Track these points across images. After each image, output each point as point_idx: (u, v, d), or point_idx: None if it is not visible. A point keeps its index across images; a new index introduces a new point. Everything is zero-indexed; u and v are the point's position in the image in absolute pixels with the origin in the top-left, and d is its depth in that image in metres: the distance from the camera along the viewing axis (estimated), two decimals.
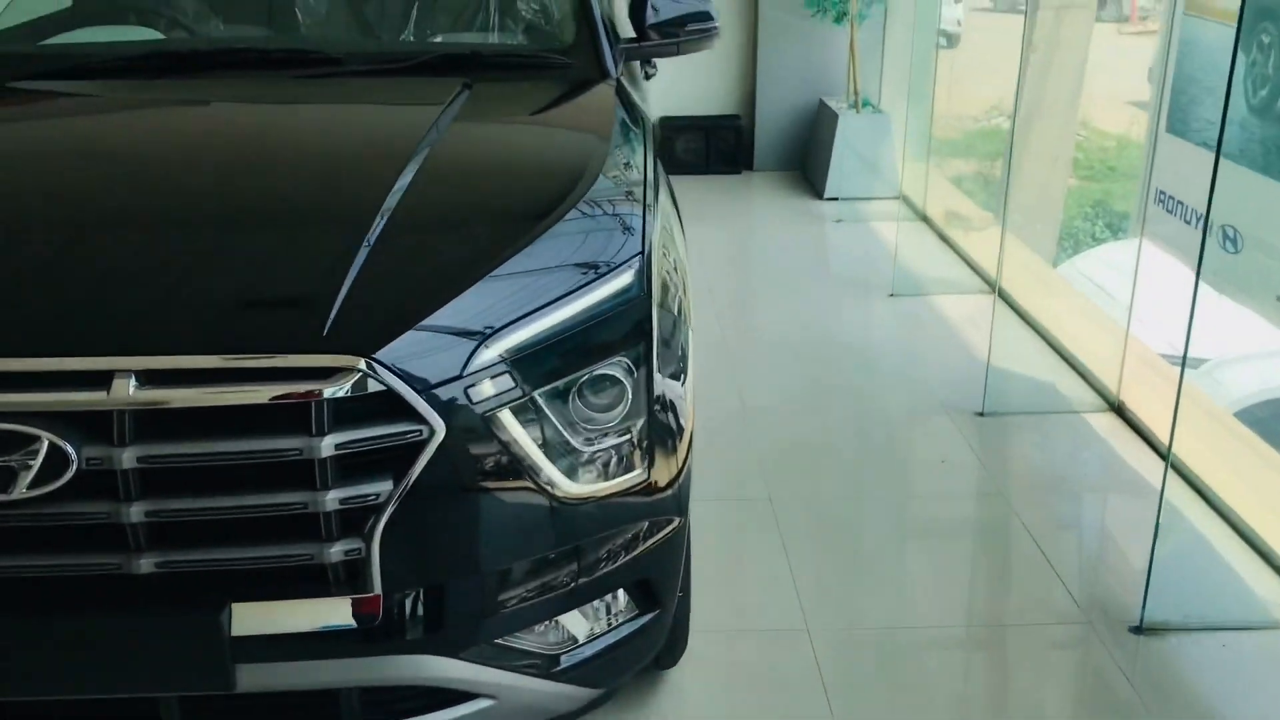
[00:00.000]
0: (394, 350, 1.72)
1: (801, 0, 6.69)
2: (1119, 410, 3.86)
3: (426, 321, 1.77)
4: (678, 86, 7.16)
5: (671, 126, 7.18)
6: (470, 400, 1.76)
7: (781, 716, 2.45)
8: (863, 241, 5.90)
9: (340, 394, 1.67)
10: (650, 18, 2.95)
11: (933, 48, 6.23)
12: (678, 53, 3.05)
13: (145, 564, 1.69)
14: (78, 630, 1.71)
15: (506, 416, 1.79)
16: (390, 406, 1.71)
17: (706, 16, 3.03)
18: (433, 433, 1.72)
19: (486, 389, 1.77)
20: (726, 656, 2.64)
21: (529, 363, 1.82)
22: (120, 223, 2.02)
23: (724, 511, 3.26)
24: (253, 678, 1.75)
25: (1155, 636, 2.69)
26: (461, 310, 1.81)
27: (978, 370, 4.03)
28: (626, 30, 3.03)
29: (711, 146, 7.23)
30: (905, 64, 6.83)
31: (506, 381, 1.79)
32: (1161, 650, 2.65)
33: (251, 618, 1.74)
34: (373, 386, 1.69)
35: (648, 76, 3.67)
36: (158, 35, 3.05)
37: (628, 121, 2.52)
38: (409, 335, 1.74)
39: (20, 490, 1.63)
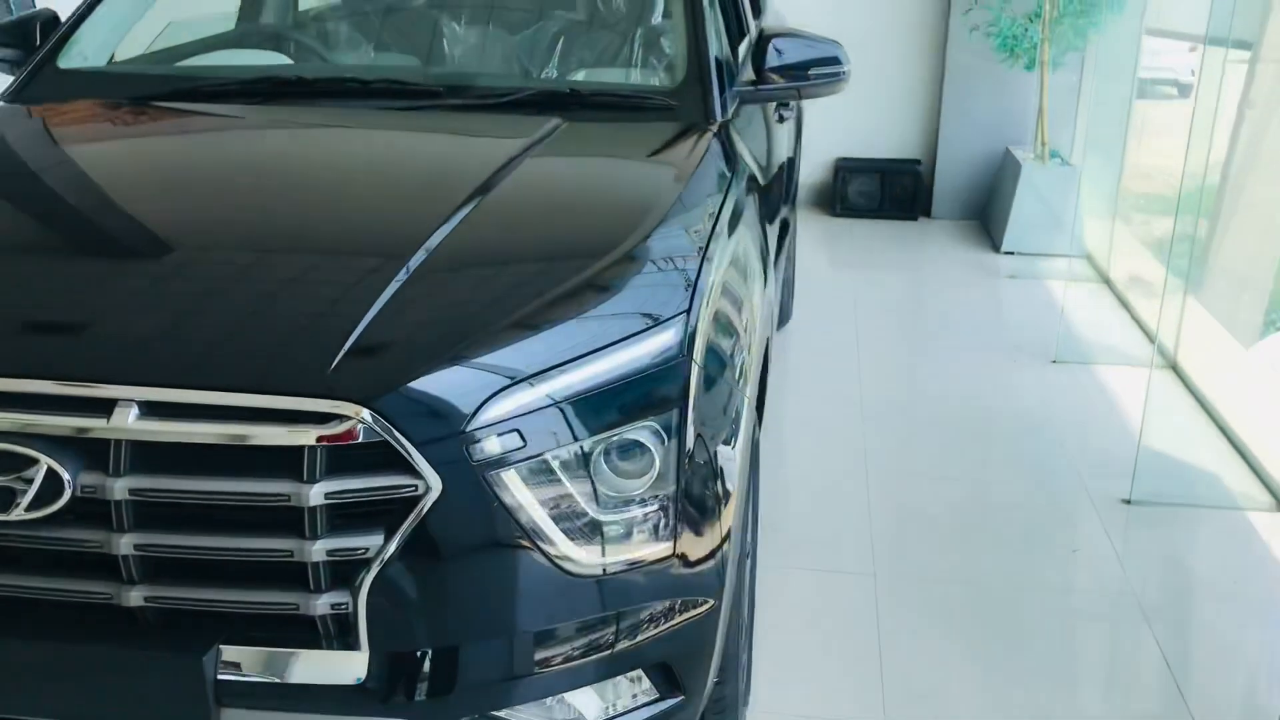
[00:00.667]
0: (396, 399, 1.64)
1: (992, 44, 6.37)
2: None
3: (436, 370, 1.68)
4: (855, 127, 6.95)
5: (846, 168, 6.96)
6: (472, 458, 1.66)
7: None
8: (1034, 300, 5.55)
9: (334, 441, 1.60)
10: (772, 60, 2.82)
11: (1129, 98, 5.82)
12: (799, 98, 2.92)
13: (135, 596, 1.66)
14: (65, 656, 1.69)
15: (511, 477, 1.69)
16: (386, 458, 1.63)
17: (835, 61, 2.87)
18: (428, 489, 1.63)
19: (492, 447, 1.67)
20: None
21: (540, 422, 1.71)
22: (154, 247, 2.03)
23: (818, 584, 3.06)
24: None
25: None
26: (477, 360, 1.72)
27: (1135, 452, 3.69)
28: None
29: (887, 191, 6.97)
30: (1100, 115, 6.44)
31: (515, 440, 1.69)
32: None
33: (239, 662, 1.69)
34: (369, 436, 1.62)
35: (781, 119, 3.52)
36: (285, 60, 3.11)
37: (714, 168, 2.39)
38: (415, 384, 1.66)
39: (18, 512, 1.63)
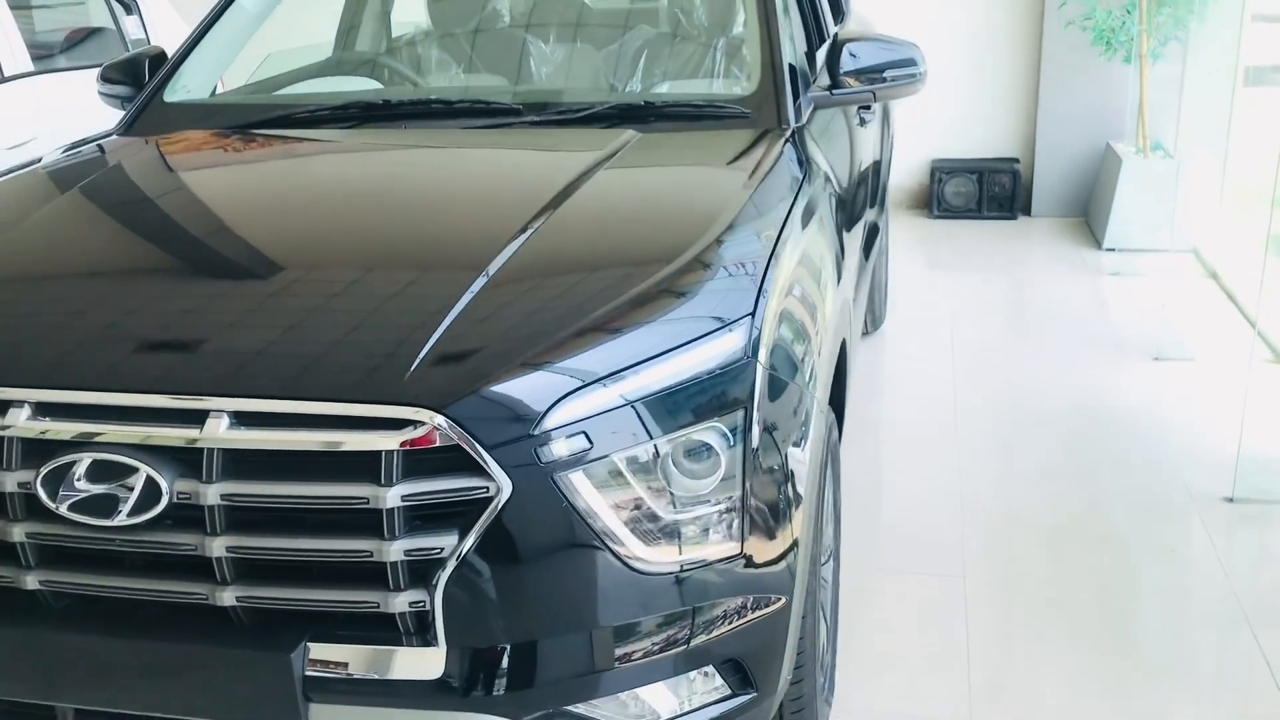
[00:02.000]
0: (468, 404, 1.71)
1: (1089, 38, 6.25)
2: None
3: (506, 376, 1.75)
4: (950, 127, 6.89)
5: (942, 169, 6.89)
6: (540, 460, 1.72)
7: None
8: (1137, 297, 5.42)
9: (411, 446, 1.68)
10: (847, 64, 2.83)
11: (1233, 88, 5.66)
12: (874, 100, 2.93)
13: (228, 596, 1.76)
14: (162, 654, 1.79)
15: (579, 479, 1.74)
16: (459, 461, 1.70)
17: (911, 63, 2.88)
18: (499, 490, 1.70)
19: (560, 449, 1.73)
20: None
21: (607, 425, 1.76)
22: (245, 268, 2.14)
23: (907, 586, 3.05)
24: (321, 718, 1.79)
25: None
26: (545, 365, 1.78)
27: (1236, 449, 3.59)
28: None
29: (985, 190, 6.88)
30: (1204, 105, 6.26)
31: (582, 442, 1.74)
32: None
33: (325, 659, 1.77)
34: (443, 440, 1.69)
35: (862, 122, 3.53)
36: (377, 85, 3.24)
37: (786, 173, 2.42)
38: (486, 389, 1.73)
39: (120, 517, 1.74)
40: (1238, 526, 3.32)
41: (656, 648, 1.83)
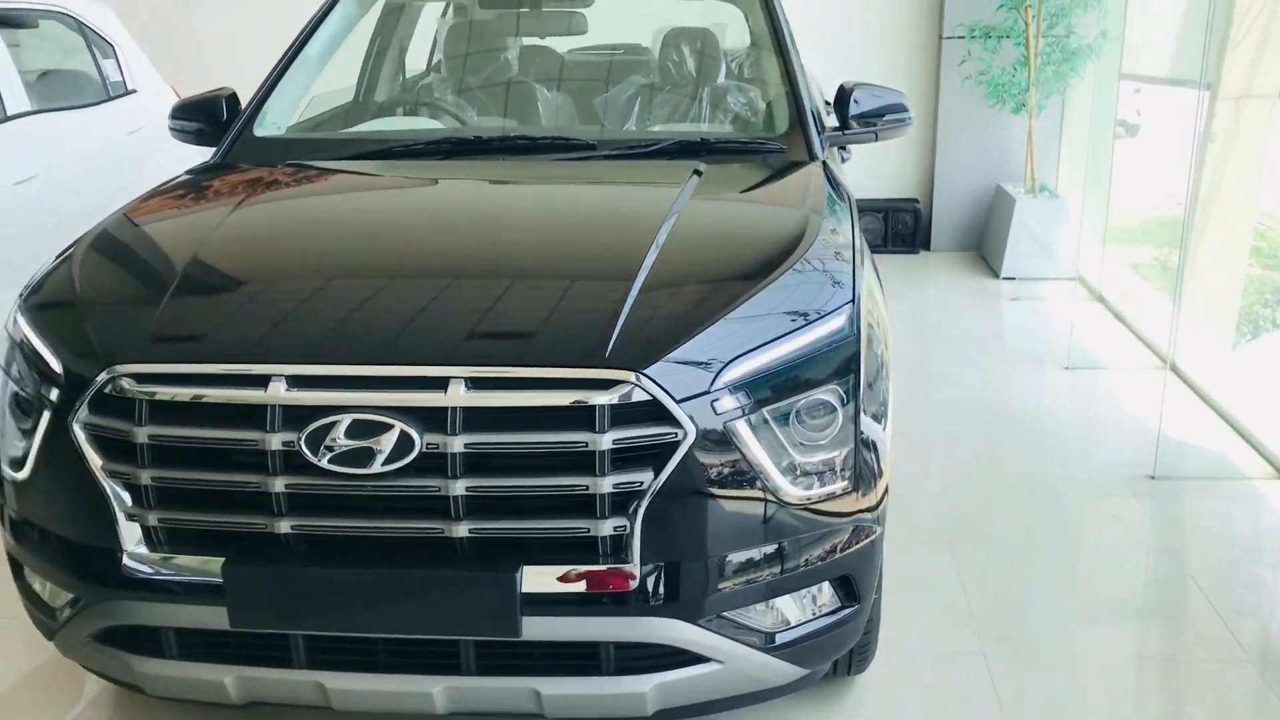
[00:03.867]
0: (658, 369, 2.17)
1: (982, 92, 7.04)
2: None
3: (682, 348, 2.22)
4: (858, 171, 7.58)
5: None
6: (715, 412, 2.19)
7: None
8: (1038, 319, 6.16)
9: (618, 400, 2.13)
10: (853, 109, 3.41)
11: (1110, 136, 6.49)
12: (875, 139, 3.49)
13: (461, 530, 2.17)
14: (400, 580, 2.18)
15: (742, 426, 2.22)
16: (653, 413, 2.16)
17: (902, 109, 3.47)
18: (685, 435, 2.16)
19: (727, 403, 2.21)
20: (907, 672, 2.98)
21: (760, 385, 2.25)
22: (451, 269, 2.58)
23: (902, 546, 3.59)
24: (533, 629, 2.20)
25: None
26: (708, 341, 2.25)
27: (1152, 439, 4.26)
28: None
29: (889, 227, 7.60)
30: (1082, 152, 7.10)
31: (743, 398, 2.22)
32: None
33: (537, 579, 2.19)
34: (640, 396, 2.15)
35: (843, 160, 4.11)
36: (436, 124, 3.67)
37: (834, 196, 2.96)
38: (669, 358, 2.20)
39: (376, 466, 2.14)
40: (1163, 496, 3.97)
41: (791, 565, 2.31)
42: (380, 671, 2.29)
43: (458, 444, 2.13)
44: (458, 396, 2.14)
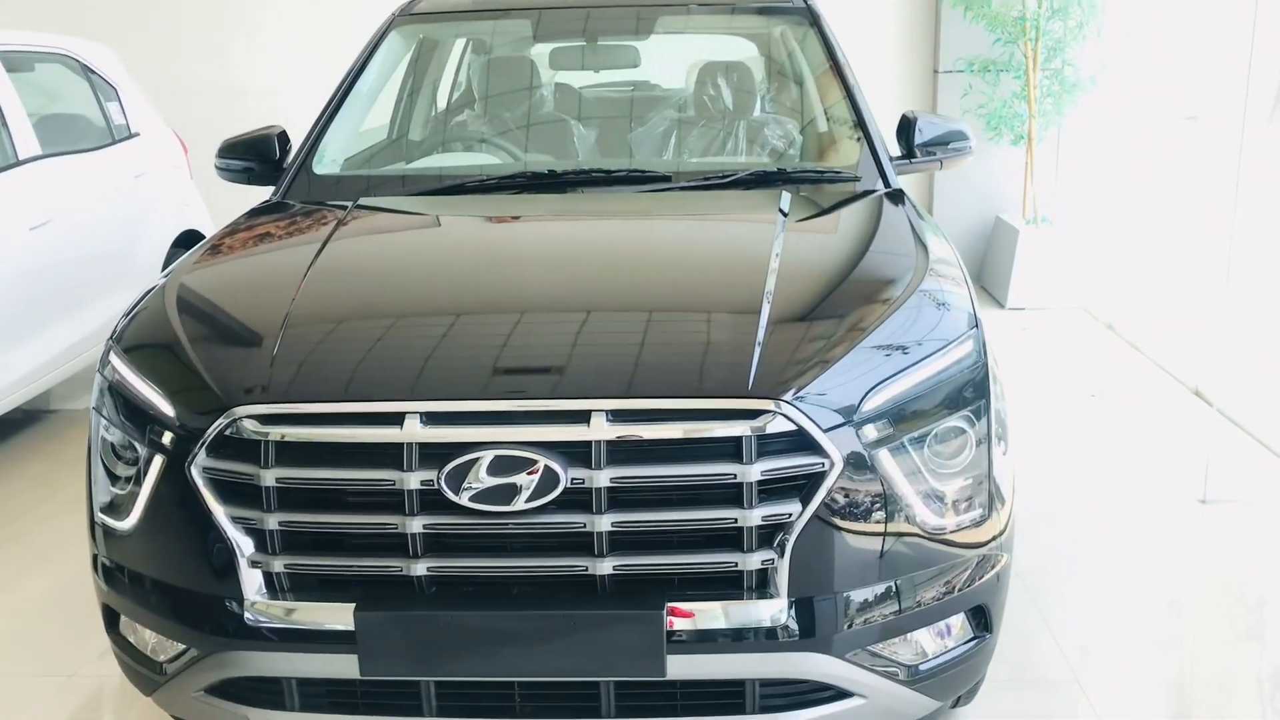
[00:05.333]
0: (804, 398, 2.13)
1: (978, 125, 7.11)
2: None
3: (822, 377, 2.18)
4: None
5: None
6: (859, 440, 2.15)
7: None
8: (1053, 348, 6.20)
9: (766, 431, 2.08)
10: (918, 138, 3.41)
11: (1115, 170, 6.58)
12: (940, 167, 3.50)
13: (605, 567, 2.10)
14: (550, 622, 2.11)
15: (884, 455, 2.18)
16: (799, 443, 2.11)
17: (963, 136, 3.48)
18: (832, 465, 2.12)
19: (870, 432, 2.17)
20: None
21: (898, 413, 2.21)
22: (572, 303, 2.52)
23: None
24: (679, 667, 2.13)
25: None
26: (846, 370, 2.22)
27: (1193, 462, 4.27)
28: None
29: None
30: (1080, 182, 7.20)
31: (884, 426, 2.19)
32: None
33: (681, 616, 2.12)
34: (786, 426, 2.10)
35: None
36: (492, 159, 3.62)
37: (926, 222, 2.95)
38: (810, 388, 2.16)
39: (519, 503, 2.07)
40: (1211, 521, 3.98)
41: (932, 596, 2.27)
42: (516, 718, 2.21)
43: (603, 478, 2.07)
44: (602, 429, 2.08)
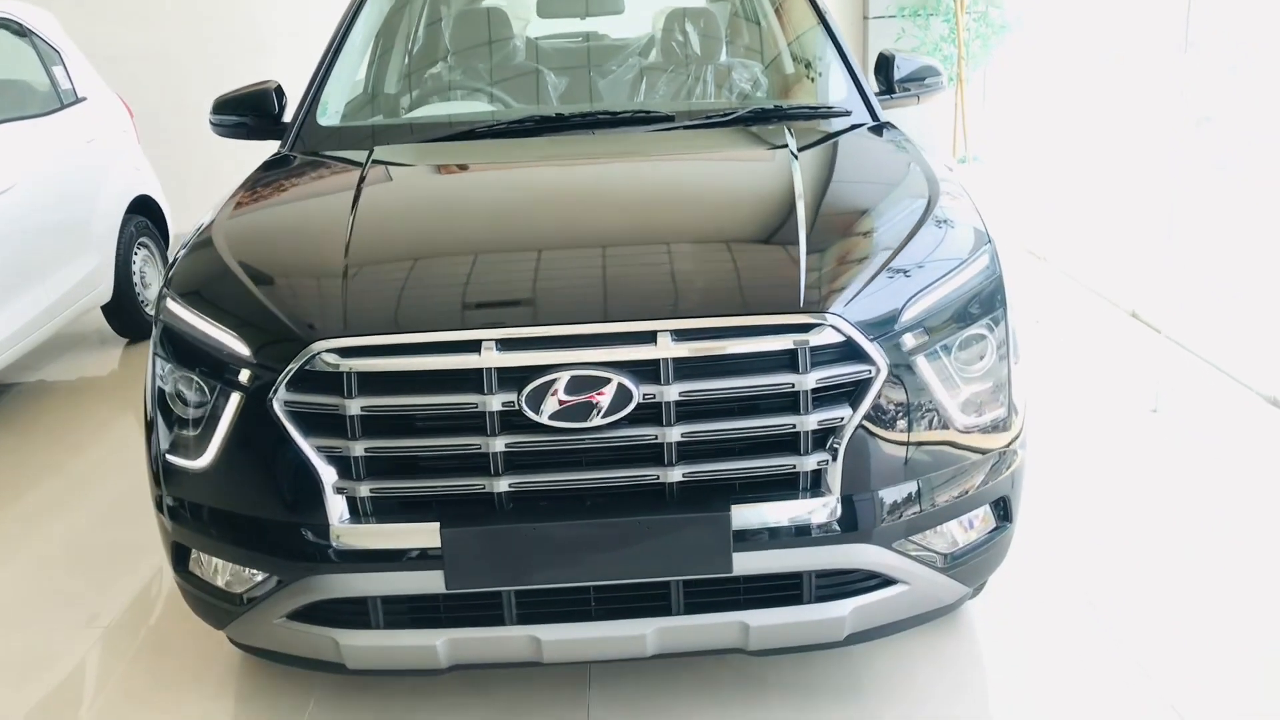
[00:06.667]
0: (848, 312, 2.31)
1: None
2: None
3: (863, 292, 2.37)
4: None
5: None
6: (900, 349, 2.35)
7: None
8: None
9: (818, 343, 2.26)
10: (896, 74, 3.61)
11: (1038, 105, 6.88)
12: (918, 101, 3.70)
13: (675, 475, 2.27)
14: (624, 529, 2.26)
15: (922, 361, 2.38)
16: (848, 353, 2.30)
17: (936, 71, 3.69)
18: (878, 371, 2.30)
19: (909, 341, 2.36)
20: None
21: (931, 323, 2.41)
22: (620, 235, 2.66)
23: None
24: (744, 563, 2.31)
25: None
26: (882, 286, 2.41)
27: (1131, 376, 4.57)
28: None
29: None
30: (1010, 123, 7.50)
31: (921, 335, 2.38)
32: None
33: (744, 516, 2.30)
34: (835, 338, 2.28)
35: None
36: (487, 107, 3.73)
37: (911, 146, 3.15)
38: (854, 302, 2.34)
39: (596, 419, 2.22)
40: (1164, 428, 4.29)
41: (963, 489, 2.48)
42: (592, 620, 2.37)
43: (672, 393, 2.23)
44: (668, 348, 2.24)
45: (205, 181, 6.76)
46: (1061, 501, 3.68)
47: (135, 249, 5.96)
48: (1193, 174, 5.44)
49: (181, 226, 6.48)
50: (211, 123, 3.61)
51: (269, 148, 3.44)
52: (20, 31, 5.58)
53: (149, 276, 6.09)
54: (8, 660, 3.06)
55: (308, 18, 7.80)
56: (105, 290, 5.65)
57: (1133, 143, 6.40)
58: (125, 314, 5.89)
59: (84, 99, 5.86)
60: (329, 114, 3.49)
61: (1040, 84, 7.30)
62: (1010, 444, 2.56)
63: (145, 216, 6.13)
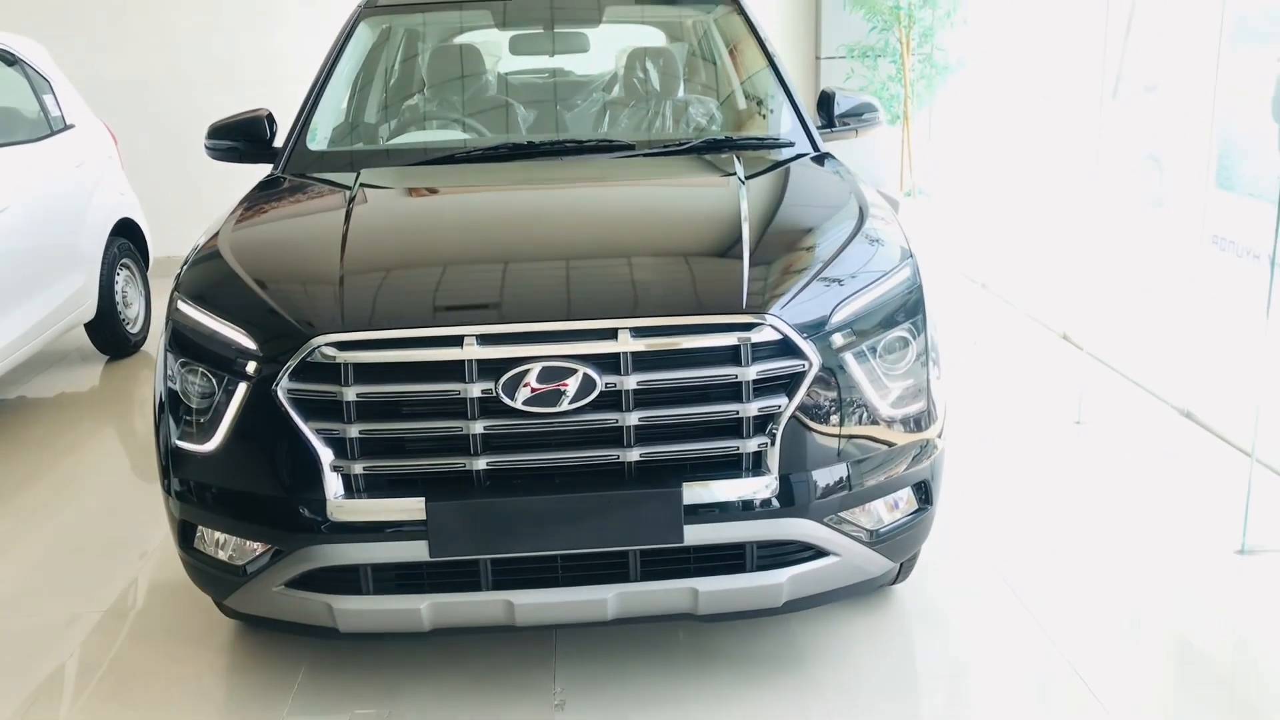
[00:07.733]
0: (788, 312, 2.65)
1: None
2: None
3: (798, 297, 2.70)
4: None
5: None
6: (830, 346, 2.68)
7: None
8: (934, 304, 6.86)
9: (758, 340, 2.60)
10: (837, 109, 3.98)
11: (978, 142, 7.31)
12: (856, 135, 4.06)
13: (633, 455, 2.58)
14: (589, 503, 2.57)
15: (850, 358, 2.71)
16: (784, 349, 2.63)
17: (873, 108, 4.07)
18: (811, 365, 2.64)
19: (838, 340, 2.70)
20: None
21: (857, 325, 2.75)
22: (585, 247, 3.00)
23: None
24: (694, 534, 2.62)
25: None
26: (816, 292, 2.74)
27: (1056, 392, 4.95)
28: None
29: None
30: (952, 158, 7.93)
31: (848, 335, 2.72)
32: None
33: (694, 492, 2.61)
34: (773, 336, 2.62)
35: None
36: (462, 135, 4.05)
37: (854, 176, 3.50)
38: (789, 305, 2.67)
39: (564, 405, 2.54)
40: (1086, 440, 4.66)
41: (888, 473, 2.81)
42: (560, 585, 2.67)
43: (631, 382, 2.56)
44: (628, 343, 2.56)
45: (182, 207, 7.06)
46: (988, 500, 4.03)
47: (118, 269, 6.21)
48: (1118, 208, 5.87)
49: (161, 250, 6.76)
50: (206, 147, 3.91)
51: (247, 176, 3.74)
52: (12, 61, 5.85)
53: (130, 296, 6.34)
54: (8, 645, 3.31)
55: (282, 50, 8.12)
56: (90, 308, 5.90)
57: (1064, 178, 6.84)
58: (108, 331, 6.13)
59: (72, 126, 6.12)
60: (318, 139, 3.80)
61: (981, 123, 7.74)
62: (931, 438, 2.90)
63: (128, 239, 6.39)
